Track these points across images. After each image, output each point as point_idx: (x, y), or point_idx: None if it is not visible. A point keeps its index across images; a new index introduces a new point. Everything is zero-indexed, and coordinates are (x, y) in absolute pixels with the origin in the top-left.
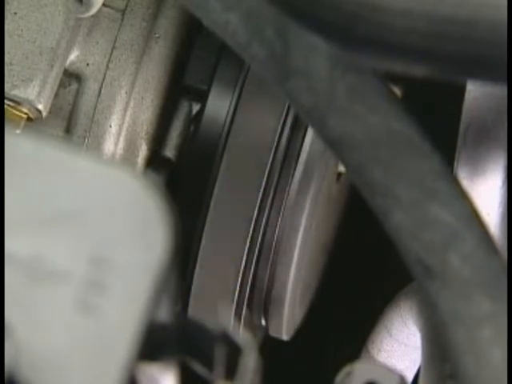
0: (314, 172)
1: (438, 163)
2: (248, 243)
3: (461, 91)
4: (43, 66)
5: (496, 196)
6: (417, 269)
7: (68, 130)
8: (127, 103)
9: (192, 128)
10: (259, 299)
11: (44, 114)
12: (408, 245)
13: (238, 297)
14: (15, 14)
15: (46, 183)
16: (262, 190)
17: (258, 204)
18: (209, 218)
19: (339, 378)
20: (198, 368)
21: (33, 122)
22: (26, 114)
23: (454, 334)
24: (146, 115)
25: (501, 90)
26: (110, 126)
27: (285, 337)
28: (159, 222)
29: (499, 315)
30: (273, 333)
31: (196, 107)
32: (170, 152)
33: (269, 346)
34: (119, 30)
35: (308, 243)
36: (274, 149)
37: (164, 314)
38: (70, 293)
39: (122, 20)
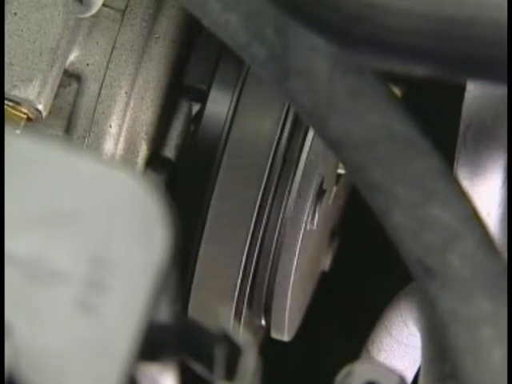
0: (314, 172)
1: (438, 163)
2: (248, 243)
3: (461, 91)
4: (43, 66)
5: (496, 196)
6: (417, 269)
7: (68, 130)
8: (127, 103)
9: (192, 128)
10: (259, 299)
11: (44, 114)
12: (408, 245)
13: (238, 297)
14: (15, 14)
15: (45, 183)
16: (262, 190)
17: (258, 204)
18: (209, 218)
19: (339, 378)
20: (198, 368)
21: (33, 122)
22: (25, 114)
23: (454, 334)
24: (146, 115)
25: (501, 90)
26: (110, 127)
27: (286, 338)
28: (159, 222)
29: (499, 315)
30: (274, 334)
31: (196, 107)
32: (170, 152)
33: (269, 346)
34: (119, 30)
35: (309, 243)
36: (274, 149)
37: (164, 314)
38: (69, 293)
39: (122, 20)
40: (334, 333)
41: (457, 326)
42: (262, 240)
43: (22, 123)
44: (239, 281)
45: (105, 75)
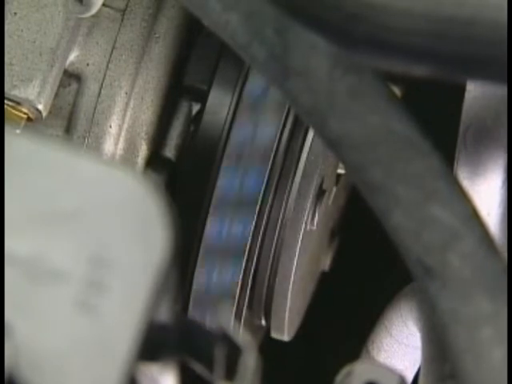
0: (314, 172)
1: (438, 163)
2: (248, 243)
3: (461, 91)
4: (43, 65)
5: (496, 196)
6: (417, 269)
7: (68, 130)
8: (127, 103)
9: (192, 128)
10: (259, 299)
11: (44, 114)
12: (408, 245)
13: (239, 297)
14: (15, 14)
15: (45, 183)
16: (262, 190)
17: (258, 204)
18: (209, 218)
19: (339, 378)
20: (198, 368)
21: (33, 122)
22: (25, 114)
23: (454, 334)
24: (146, 115)
25: (501, 90)
26: (110, 127)
27: (286, 338)
28: (159, 222)
29: (499, 315)
30: (274, 334)
31: (196, 107)
32: (170, 152)
33: (269, 346)
34: (119, 30)
35: (309, 243)
36: (274, 149)
37: (164, 314)
38: (69, 293)
39: (122, 20)
40: (334, 333)
41: (457, 326)
42: (263, 239)
43: (22, 123)
44: (240, 281)
45: (105, 75)
